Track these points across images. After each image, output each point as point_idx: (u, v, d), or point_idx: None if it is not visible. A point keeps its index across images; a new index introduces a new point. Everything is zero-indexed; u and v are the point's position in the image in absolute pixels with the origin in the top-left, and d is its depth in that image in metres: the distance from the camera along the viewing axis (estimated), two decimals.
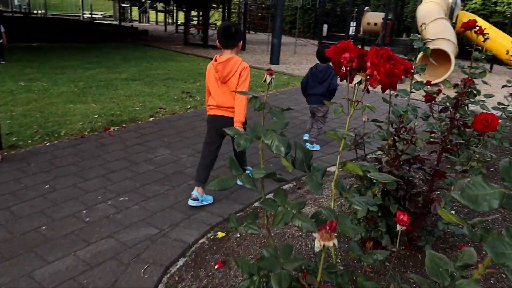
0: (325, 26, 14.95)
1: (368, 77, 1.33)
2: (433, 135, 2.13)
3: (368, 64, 1.32)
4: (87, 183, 3.28)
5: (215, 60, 2.89)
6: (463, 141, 2.25)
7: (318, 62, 4.30)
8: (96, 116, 5.04)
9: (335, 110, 1.39)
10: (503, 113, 4.02)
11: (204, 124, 5.18)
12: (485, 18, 13.54)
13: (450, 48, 9.67)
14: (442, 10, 11.27)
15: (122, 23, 19.98)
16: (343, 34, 13.81)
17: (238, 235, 2.69)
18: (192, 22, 19.08)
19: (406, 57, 2.71)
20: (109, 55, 10.24)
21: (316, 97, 4.24)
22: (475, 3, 14.80)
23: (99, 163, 3.69)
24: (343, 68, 1.36)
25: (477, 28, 3.38)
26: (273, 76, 1.38)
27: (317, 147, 4.41)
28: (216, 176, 1.34)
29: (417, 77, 9.63)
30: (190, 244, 2.54)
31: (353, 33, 13.86)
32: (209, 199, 3.05)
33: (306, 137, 4.56)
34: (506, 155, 4.30)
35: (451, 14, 11.43)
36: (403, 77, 1.32)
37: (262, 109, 1.39)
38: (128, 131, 4.61)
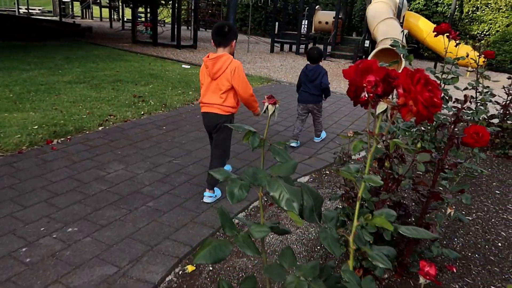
0: (277, 24, 14.75)
1: (398, 106, 1.03)
2: (431, 154, 1.89)
3: (400, 90, 1.02)
4: (27, 212, 2.77)
5: (207, 57, 2.88)
6: (461, 161, 2.03)
7: (308, 62, 4.44)
8: (36, 126, 4.43)
9: (354, 147, 1.08)
10: (472, 118, 3.94)
11: (161, 133, 4.78)
12: (427, 18, 13.95)
13: None
14: (390, 10, 11.43)
15: (63, 19, 18.67)
16: (295, 33, 13.66)
17: (211, 268, 2.34)
18: (139, 19, 18.19)
19: (387, 64, 2.49)
20: (50, 54, 9.35)
21: (310, 96, 4.40)
22: (418, 3, 15.24)
23: (41, 184, 3.18)
24: (365, 93, 1.05)
25: (450, 33, 3.25)
26: (277, 105, 1.04)
27: (323, 135, 4.76)
28: (205, 243, 0.99)
29: None
30: (155, 285, 2.16)
31: (305, 32, 13.77)
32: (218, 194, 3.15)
33: (293, 144, 4.51)
34: (485, 167, 4.25)
35: (398, 14, 11.62)
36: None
37: (262, 147, 1.06)
38: (75, 144, 4.08)
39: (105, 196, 3.07)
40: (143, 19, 18.97)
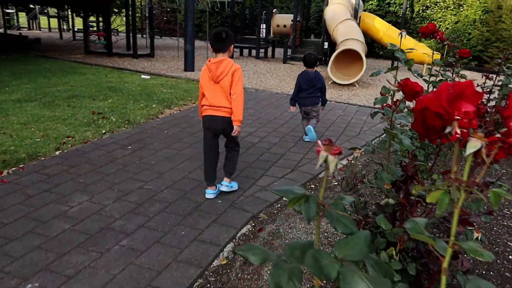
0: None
1: (497, 144, 0.74)
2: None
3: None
4: None
5: (209, 61, 3.00)
6: (493, 181, 1.79)
7: (305, 68, 4.74)
8: None
9: (440, 205, 0.78)
10: None
11: (127, 153, 4.32)
12: (381, 18, 14.15)
13: (361, 48, 9.75)
14: (348, 11, 11.42)
15: (8, 31, 17.43)
16: (254, 37, 13.41)
17: None
18: (91, 28, 17.31)
19: (384, 71, 2.25)
20: None
21: (311, 99, 4.73)
22: (371, 4, 15.45)
23: None
24: (457, 129, 0.74)
25: (437, 33, 3.07)
26: (340, 154, 0.71)
27: (314, 137, 4.71)
28: None
29: (334, 78, 9.57)
30: None
31: (264, 36, 13.56)
32: (234, 186, 3.37)
33: (306, 139, 4.82)
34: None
35: (355, 15, 11.64)
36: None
37: (317, 216, 0.73)
38: (29, 174, 3.56)
39: (70, 236, 2.62)
40: (95, 28, 18.08)
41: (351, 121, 5.87)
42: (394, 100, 1.99)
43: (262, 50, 13.53)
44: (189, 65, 10.14)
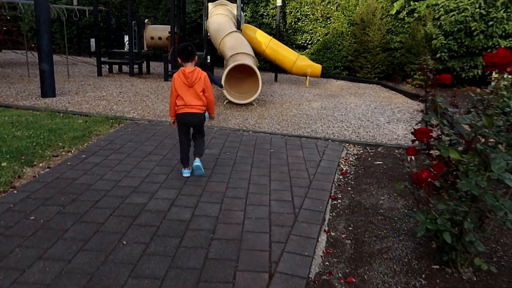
0: (93, 40, 12.02)
1: None
2: None
3: None
4: None
5: (183, 71, 3.59)
6: None
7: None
8: None
9: None
10: None
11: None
12: None
13: (253, 62, 8.68)
14: (232, 22, 10.26)
15: None
16: (126, 51, 11.29)
17: None
18: None
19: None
20: None
21: None
22: (245, 15, 14.64)
23: None
24: None
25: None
26: None
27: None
28: None
29: (230, 97, 8.29)
30: None
31: (136, 49, 11.53)
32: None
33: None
34: None
35: (238, 27, 10.56)
36: None
37: None
38: None
39: None
40: None
41: (290, 162, 4.53)
42: None
43: (135, 66, 11.47)
44: (49, 89, 7.68)
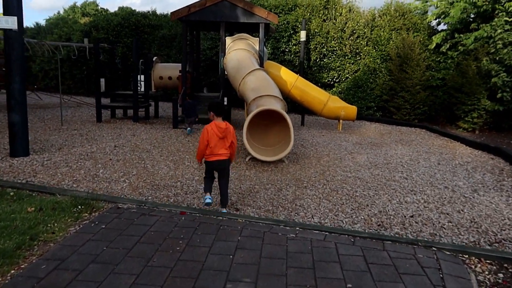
0: (102, 80, 10.25)
1: None
2: None
3: None
4: None
5: (218, 125, 3.80)
6: None
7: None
8: None
9: None
10: None
11: None
12: None
13: (281, 107, 6.59)
14: (254, 58, 8.27)
15: None
16: (130, 92, 9.37)
17: None
18: None
19: None
20: None
21: None
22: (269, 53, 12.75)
23: None
24: None
25: None
26: None
27: None
28: None
29: (254, 153, 6.15)
30: None
31: (142, 90, 9.60)
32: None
33: None
34: None
35: (261, 63, 8.57)
36: None
37: None
38: None
39: None
40: None
41: None
42: None
43: (142, 110, 9.50)
44: (20, 147, 5.63)
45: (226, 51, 8.76)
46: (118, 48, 14.23)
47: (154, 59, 9.90)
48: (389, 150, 7.44)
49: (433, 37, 11.59)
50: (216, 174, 3.99)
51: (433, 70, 11.53)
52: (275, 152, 6.25)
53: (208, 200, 3.80)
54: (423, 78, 11.02)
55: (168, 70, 9.85)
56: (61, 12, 26.93)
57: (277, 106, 6.38)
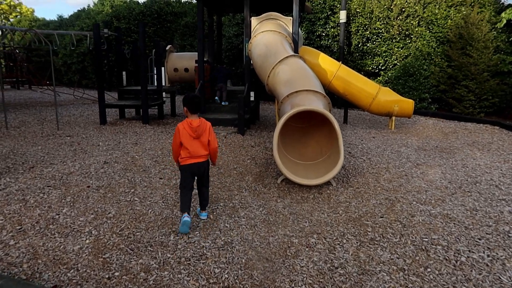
0: (124, 73, 8.62)
1: None
2: None
3: None
4: None
5: (190, 124, 3.11)
6: None
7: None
8: None
9: None
10: None
11: None
12: None
13: (326, 107, 4.62)
14: (287, 43, 6.25)
15: None
16: (139, 88, 7.65)
17: None
18: None
19: None
20: None
21: None
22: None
23: None
24: None
25: None
26: None
27: None
28: None
29: (290, 176, 4.21)
30: None
31: (155, 85, 7.85)
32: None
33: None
34: None
35: (296, 49, 6.55)
36: None
37: None
38: None
39: None
40: None
41: None
42: None
43: (154, 108, 7.75)
44: None
45: (252, 34, 6.79)
46: (123, 36, 12.47)
47: (167, 47, 8.07)
48: (466, 159, 5.30)
49: (503, 13, 9.06)
50: (195, 182, 3.30)
51: (502, 52, 9.05)
52: (317, 169, 4.30)
53: (186, 221, 3.00)
54: (492, 63, 8.60)
55: (184, 60, 8.00)
56: (91, 6, 25.77)
57: (319, 105, 4.39)
